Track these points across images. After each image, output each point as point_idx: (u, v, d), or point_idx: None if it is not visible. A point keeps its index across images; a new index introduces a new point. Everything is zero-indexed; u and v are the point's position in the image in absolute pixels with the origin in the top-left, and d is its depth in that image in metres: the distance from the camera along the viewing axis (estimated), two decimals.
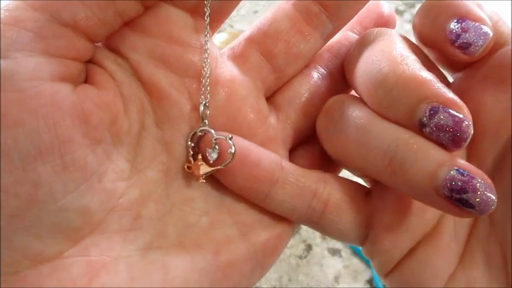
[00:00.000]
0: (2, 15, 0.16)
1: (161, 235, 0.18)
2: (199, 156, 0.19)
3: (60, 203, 0.16)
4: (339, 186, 0.20)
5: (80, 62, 0.17)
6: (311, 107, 0.21)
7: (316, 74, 0.21)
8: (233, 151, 0.19)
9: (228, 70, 0.20)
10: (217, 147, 0.19)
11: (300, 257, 0.44)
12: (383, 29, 0.20)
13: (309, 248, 0.44)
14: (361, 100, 0.19)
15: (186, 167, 0.19)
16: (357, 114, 0.18)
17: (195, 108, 0.19)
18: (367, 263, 0.44)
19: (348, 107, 0.19)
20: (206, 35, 0.19)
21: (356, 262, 0.44)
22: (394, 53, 0.18)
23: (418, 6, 0.20)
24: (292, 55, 0.20)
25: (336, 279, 0.43)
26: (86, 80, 0.18)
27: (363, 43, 0.20)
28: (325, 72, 0.21)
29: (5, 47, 0.15)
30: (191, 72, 0.19)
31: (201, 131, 0.19)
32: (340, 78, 0.21)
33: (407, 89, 0.17)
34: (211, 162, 0.19)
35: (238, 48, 0.21)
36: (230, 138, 0.19)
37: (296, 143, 0.22)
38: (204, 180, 0.19)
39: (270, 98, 0.21)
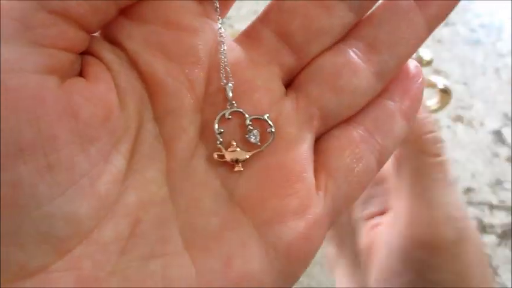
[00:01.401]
0: None
1: (164, 241, 0.16)
2: (233, 142, 0.18)
3: (44, 209, 0.14)
4: None
5: (73, 52, 0.16)
6: (338, 80, 0.18)
7: (348, 48, 0.19)
8: (273, 130, 0.17)
9: (235, 54, 0.18)
10: (256, 128, 0.18)
11: None
12: None
13: None
14: None
15: (215, 155, 0.17)
16: None
17: (197, 99, 0.18)
18: None
19: None
20: (218, 16, 0.18)
21: None
22: None
23: None
24: (313, 31, 0.18)
25: None
26: (81, 72, 0.17)
27: None
28: (360, 44, 0.19)
29: None
30: (191, 58, 0.17)
31: (230, 113, 0.17)
32: (379, 50, 0.19)
33: None
34: (257, 144, 0.18)
35: (251, 31, 0.19)
36: (268, 117, 0.17)
37: (328, 124, 0.19)
38: (242, 168, 0.17)
39: (293, 81, 0.19)
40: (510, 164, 0.49)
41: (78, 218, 0.15)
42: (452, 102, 0.48)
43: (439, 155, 0.25)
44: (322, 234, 0.18)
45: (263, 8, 0.19)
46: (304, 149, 0.18)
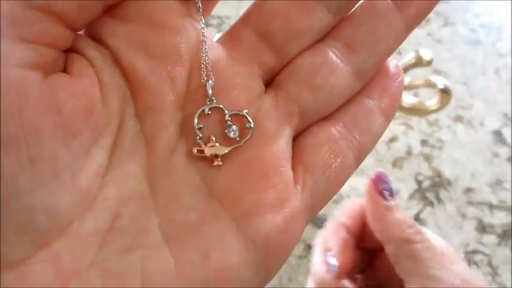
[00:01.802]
0: None
1: (143, 233, 0.17)
2: (212, 137, 0.18)
3: (25, 201, 0.15)
4: None
5: (56, 49, 0.16)
6: (316, 79, 0.19)
7: (326, 48, 0.19)
8: (252, 125, 0.18)
9: (215, 53, 0.18)
10: (234, 124, 0.18)
11: (300, 257, 0.44)
12: None
13: (308, 248, 0.44)
14: None
15: (195, 150, 0.18)
16: None
17: (178, 96, 0.18)
18: None
19: None
20: (200, 16, 0.18)
21: None
22: None
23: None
24: (293, 32, 0.18)
25: None
26: (64, 69, 0.17)
27: None
28: (339, 44, 0.19)
29: None
30: (173, 57, 0.18)
31: (209, 109, 0.18)
32: (358, 50, 0.19)
33: None
34: (236, 139, 0.18)
35: (233, 32, 0.19)
36: (247, 113, 0.18)
37: (307, 121, 0.19)
38: (221, 163, 0.18)
39: (274, 80, 0.19)
40: (510, 164, 0.49)
41: (59, 211, 0.15)
42: (452, 102, 0.48)
43: (425, 242, 0.27)
44: (300, 228, 0.18)
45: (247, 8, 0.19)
46: (282, 143, 0.18)
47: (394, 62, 0.21)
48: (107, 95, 0.17)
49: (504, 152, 0.50)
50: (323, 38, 0.19)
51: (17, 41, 0.15)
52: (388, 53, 0.20)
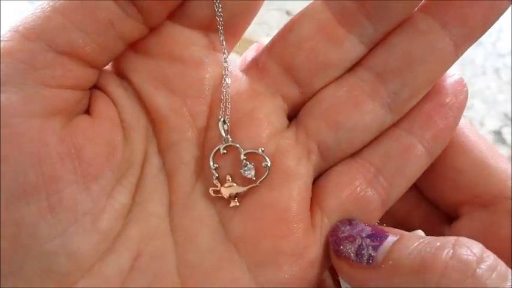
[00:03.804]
0: None
1: (161, 276, 0.17)
2: (228, 177, 0.17)
3: (46, 247, 0.15)
4: None
5: (81, 90, 0.16)
6: (336, 116, 0.17)
7: (353, 79, 0.18)
8: (268, 164, 0.17)
9: (239, 85, 0.18)
10: (251, 163, 0.17)
11: None
12: None
13: None
14: None
15: (211, 191, 0.17)
16: None
17: (198, 132, 0.17)
18: None
19: None
20: (224, 50, 0.17)
21: None
22: None
23: None
24: (319, 65, 0.17)
25: None
26: (88, 107, 0.17)
27: None
28: (369, 74, 0.17)
29: None
30: (194, 92, 0.17)
31: (225, 148, 0.17)
32: (389, 79, 0.17)
33: None
34: (252, 179, 0.17)
35: (259, 61, 0.18)
36: (263, 151, 0.17)
37: (329, 159, 0.18)
38: (238, 203, 0.17)
39: (298, 114, 0.19)
40: (510, 164, 0.49)
41: (80, 254, 0.15)
42: None
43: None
44: (317, 274, 0.17)
45: (275, 34, 0.18)
46: (302, 184, 0.17)
47: (456, 78, 0.18)
48: (130, 133, 0.17)
49: (504, 152, 0.50)
50: (353, 67, 0.18)
51: (38, 87, 0.15)
52: (430, 80, 0.17)
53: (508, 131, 0.52)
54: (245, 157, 0.17)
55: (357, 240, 0.16)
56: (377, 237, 0.16)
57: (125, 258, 0.16)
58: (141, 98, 0.17)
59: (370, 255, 0.15)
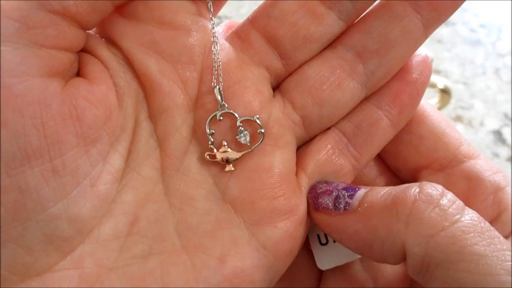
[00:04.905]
0: None
1: (161, 239, 0.17)
2: (224, 143, 0.18)
3: (49, 211, 0.15)
4: None
5: (72, 52, 0.16)
6: (322, 93, 0.18)
7: (336, 56, 0.19)
8: (263, 131, 0.18)
9: (226, 54, 0.18)
10: (246, 129, 0.18)
11: None
12: None
13: None
14: None
15: (207, 156, 0.18)
16: None
17: (190, 99, 0.18)
18: None
19: None
20: (211, 17, 0.18)
21: None
22: None
23: None
24: (300, 39, 0.18)
25: None
26: (79, 71, 0.17)
27: None
28: (349, 54, 0.18)
29: None
30: (184, 58, 0.17)
31: (221, 115, 0.18)
32: (368, 59, 0.18)
33: None
34: (247, 145, 0.18)
35: (241, 33, 0.19)
36: (258, 118, 0.18)
37: (310, 131, 0.19)
38: (233, 168, 0.18)
39: (280, 85, 0.19)
40: (510, 164, 0.49)
41: (81, 218, 0.15)
42: (452, 102, 0.48)
43: None
44: (304, 231, 0.19)
45: (257, 7, 0.19)
46: (290, 151, 0.19)
47: (421, 56, 0.19)
48: (123, 98, 0.17)
49: (504, 152, 0.50)
50: (333, 43, 0.19)
51: (34, 46, 0.15)
52: (402, 60, 0.19)
53: (508, 131, 0.52)
54: (241, 124, 0.18)
55: (334, 192, 0.18)
56: (351, 189, 0.18)
57: (122, 222, 0.16)
58: (131, 63, 0.17)
59: (346, 202, 0.18)
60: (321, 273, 0.21)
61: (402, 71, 0.19)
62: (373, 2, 0.18)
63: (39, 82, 0.15)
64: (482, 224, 0.15)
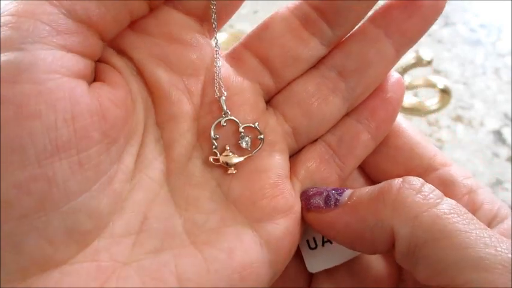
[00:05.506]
0: (17, 8, 0.15)
1: (171, 236, 0.18)
2: (227, 147, 0.20)
3: (72, 204, 0.15)
4: None
5: (92, 60, 0.17)
6: (309, 105, 0.21)
7: (320, 74, 0.21)
8: (263, 137, 0.20)
9: (225, 70, 0.20)
10: (247, 135, 0.20)
11: None
12: None
13: None
14: None
15: (211, 159, 0.19)
16: None
17: (194, 107, 0.19)
18: None
19: None
20: (215, 35, 0.20)
21: None
22: None
23: None
24: (290, 58, 0.20)
25: None
26: (96, 79, 0.18)
27: None
28: (332, 73, 0.21)
29: (21, 39, 0.15)
30: (190, 71, 0.19)
31: (225, 121, 0.19)
32: (348, 77, 0.21)
33: None
34: (248, 149, 0.20)
35: (235, 54, 0.21)
36: (258, 125, 0.20)
37: (299, 142, 0.21)
38: (235, 171, 0.19)
39: (271, 100, 0.21)
40: (510, 164, 0.49)
41: (99, 213, 0.16)
42: (452, 102, 0.48)
43: None
44: (301, 229, 0.21)
45: (248, 33, 0.21)
46: (285, 157, 0.21)
47: (395, 77, 0.22)
48: (135, 104, 0.18)
49: (504, 152, 0.50)
50: (317, 64, 0.21)
51: (63, 50, 0.16)
52: (378, 79, 0.21)
53: (508, 131, 0.52)
54: (243, 130, 0.20)
55: (324, 193, 0.20)
56: (340, 189, 0.20)
57: (134, 220, 0.17)
58: (142, 72, 0.19)
59: (336, 199, 0.20)
60: (311, 275, 0.23)
61: (378, 90, 0.21)
62: (351, 29, 0.20)
63: (69, 81, 0.16)
64: (461, 208, 0.17)
